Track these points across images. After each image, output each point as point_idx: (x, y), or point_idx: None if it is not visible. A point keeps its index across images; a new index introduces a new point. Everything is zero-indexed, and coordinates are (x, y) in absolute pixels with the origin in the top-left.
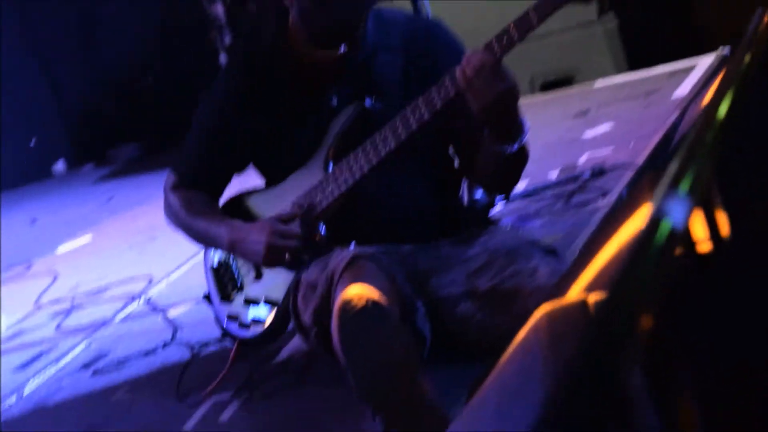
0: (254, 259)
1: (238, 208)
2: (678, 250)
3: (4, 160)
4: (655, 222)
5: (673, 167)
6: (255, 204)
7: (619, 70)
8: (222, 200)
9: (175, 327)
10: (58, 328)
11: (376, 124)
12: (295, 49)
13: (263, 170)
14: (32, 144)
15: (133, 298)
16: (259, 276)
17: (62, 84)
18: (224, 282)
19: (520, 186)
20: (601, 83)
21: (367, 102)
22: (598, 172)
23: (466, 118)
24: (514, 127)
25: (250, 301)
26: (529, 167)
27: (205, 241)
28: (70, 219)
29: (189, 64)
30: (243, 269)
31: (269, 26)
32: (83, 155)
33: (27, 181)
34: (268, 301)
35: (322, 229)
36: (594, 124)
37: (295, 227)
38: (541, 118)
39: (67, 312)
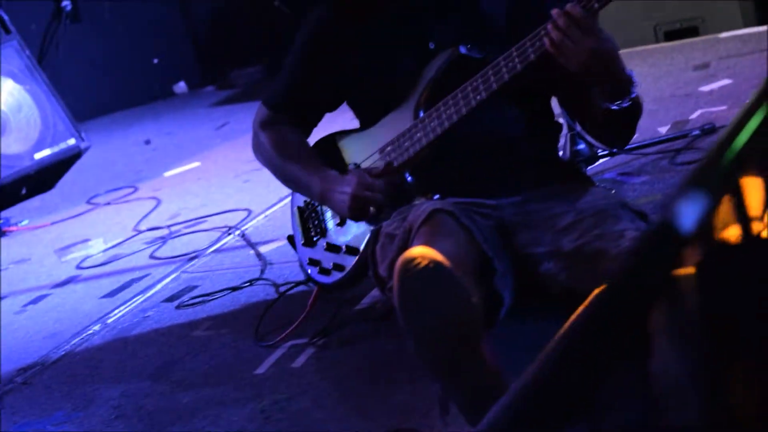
0: (340, 210)
1: (329, 148)
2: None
3: (128, 77)
4: None
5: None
6: (345, 146)
7: (747, 24)
8: (314, 139)
9: (264, 264)
10: (152, 256)
11: (471, 71)
12: None
13: (356, 110)
14: (156, 62)
15: (228, 231)
16: (342, 223)
17: (191, 3)
18: (308, 225)
19: None
20: (726, 35)
21: (462, 49)
22: (709, 130)
23: (566, 71)
24: (619, 85)
25: (332, 247)
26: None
27: (296, 186)
28: (183, 142)
29: None
30: (327, 214)
31: None
32: (206, 76)
33: (149, 100)
34: (349, 249)
35: (408, 177)
36: (713, 78)
37: (381, 181)
38: (661, 69)
39: (163, 240)
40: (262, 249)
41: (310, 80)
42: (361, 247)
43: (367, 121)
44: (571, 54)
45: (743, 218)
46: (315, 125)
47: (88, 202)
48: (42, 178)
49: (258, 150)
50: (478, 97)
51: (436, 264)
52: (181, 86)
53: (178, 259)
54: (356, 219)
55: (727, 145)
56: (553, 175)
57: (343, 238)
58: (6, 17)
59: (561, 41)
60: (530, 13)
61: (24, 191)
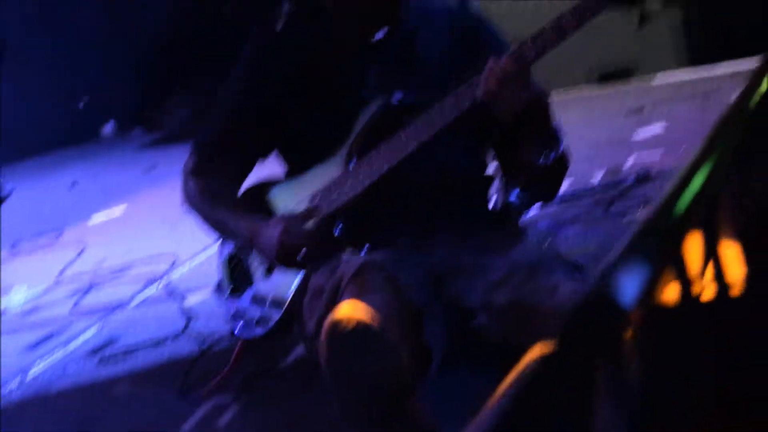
0: (268, 255)
1: (258, 197)
2: None
3: (53, 118)
4: None
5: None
6: (275, 194)
7: (681, 65)
8: (243, 188)
9: (188, 317)
10: (75, 307)
11: (404, 119)
12: (332, 26)
13: (287, 157)
14: (81, 105)
15: (152, 281)
16: (270, 272)
17: (116, 41)
18: (235, 275)
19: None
20: (660, 79)
21: (396, 96)
22: (643, 178)
23: (497, 121)
24: (545, 138)
25: (258, 299)
26: (573, 167)
27: (223, 231)
28: (110, 186)
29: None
30: (255, 263)
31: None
32: (134, 117)
33: (76, 141)
34: (275, 301)
35: (338, 227)
36: (647, 123)
37: (310, 226)
38: (595, 114)
39: (86, 290)
40: (189, 298)
41: (241, 132)
42: (288, 299)
43: (298, 170)
44: (503, 104)
45: (683, 280)
46: (246, 174)
47: (11, 248)
48: None
49: (187, 197)
50: (410, 147)
51: (364, 326)
52: (109, 127)
53: (100, 310)
54: (284, 264)
55: (668, 210)
56: (485, 225)
57: (270, 289)
58: None
59: (494, 91)
60: (465, 62)
61: None
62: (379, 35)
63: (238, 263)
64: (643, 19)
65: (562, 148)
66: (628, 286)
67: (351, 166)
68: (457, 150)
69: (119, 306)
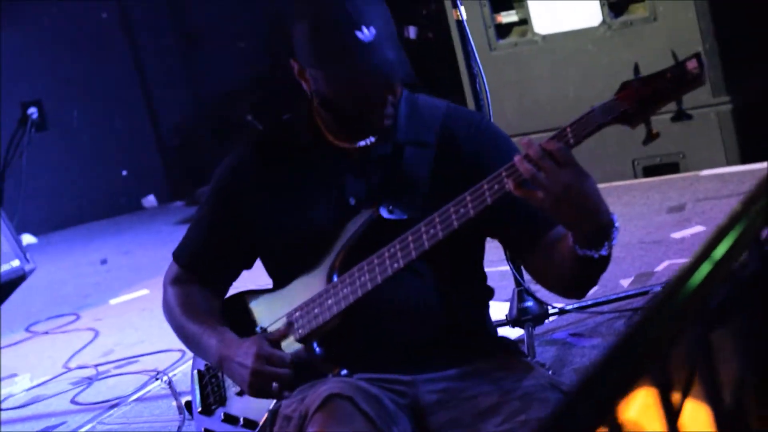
0: (240, 385)
1: (238, 308)
2: None
3: (94, 189)
4: None
5: None
6: (255, 307)
7: (730, 162)
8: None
9: (182, 419)
10: (73, 401)
11: (391, 233)
12: (317, 136)
13: (269, 268)
14: (124, 174)
15: (156, 376)
16: (242, 392)
17: (161, 116)
18: (207, 391)
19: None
20: (707, 173)
21: (382, 211)
22: None
23: (518, 215)
24: (597, 229)
25: (229, 418)
26: None
27: (195, 348)
28: (138, 265)
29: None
30: (228, 380)
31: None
32: (176, 191)
33: (116, 213)
34: (247, 422)
35: (317, 348)
36: (686, 224)
37: (285, 351)
38: (634, 209)
39: (89, 382)
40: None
41: (220, 235)
42: (260, 422)
43: (280, 281)
44: (544, 189)
45: None
46: (229, 284)
47: (26, 329)
48: None
49: (165, 307)
50: (395, 266)
51: None
52: (150, 200)
53: (98, 405)
54: (259, 396)
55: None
56: (477, 351)
57: (242, 409)
58: None
59: (533, 175)
60: (455, 176)
61: None
62: (365, 142)
63: (212, 378)
64: (680, 117)
65: (615, 240)
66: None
67: (333, 282)
68: (448, 265)
69: (117, 402)
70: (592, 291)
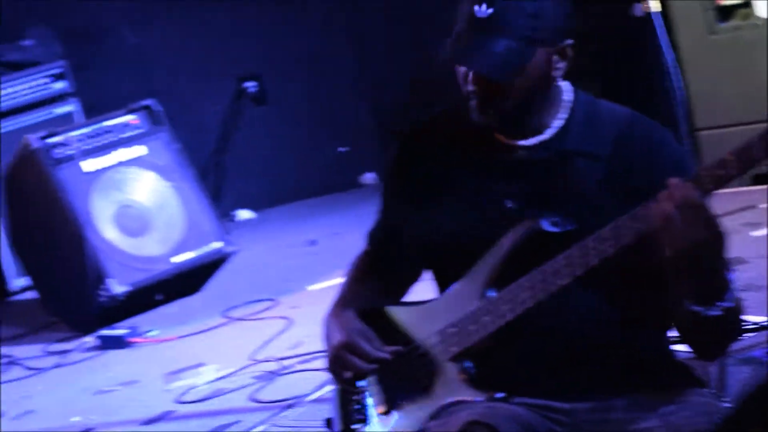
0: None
1: (386, 318)
2: None
3: (311, 165)
4: None
5: None
6: (403, 316)
7: None
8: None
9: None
10: (252, 397)
11: (549, 249)
12: (476, 133)
13: (435, 273)
14: (341, 150)
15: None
16: (386, 412)
17: (381, 95)
18: (349, 408)
19: None
20: None
21: (544, 223)
22: None
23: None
24: (710, 287)
25: None
26: None
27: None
28: (347, 247)
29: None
30: (373, 399)
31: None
32: None
33: (332, 190)
34: None
35: (469, 366)
36: None
37: (379, 349)
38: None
39: (271, 377)
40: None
41: (390, 243)
42: None
43: (441, 283)
44: (673, 237)
45: None
46: (404, 284)
47: (222, 314)
48: (181, 283)
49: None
50: (560, 282)
51: None
52: (368, 177)
53: (276, 404)
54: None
55: None
56: (645, 381)
57: None
58: (160, 108)
59: (669, 217)
60: (623, 193)
61: (160, 297)
62: (527, 142)
63: (354, 394)
64: None
65: (732, 300)
66: None
67: (489, 297)
68: (620, 289)
69: (294, 402)
70: None
